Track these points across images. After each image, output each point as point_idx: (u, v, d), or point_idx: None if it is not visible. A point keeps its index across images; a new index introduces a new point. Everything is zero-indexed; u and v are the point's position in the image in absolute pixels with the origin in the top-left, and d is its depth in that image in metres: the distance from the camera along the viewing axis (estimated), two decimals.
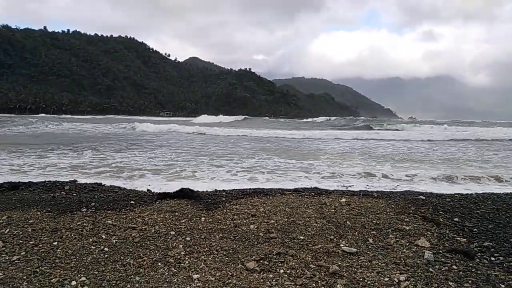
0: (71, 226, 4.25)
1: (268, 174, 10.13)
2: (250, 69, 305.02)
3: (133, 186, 7.61)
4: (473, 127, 44.70)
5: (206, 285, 3.04)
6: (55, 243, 3.77)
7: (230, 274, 3.22)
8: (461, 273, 3.26)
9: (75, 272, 3.19)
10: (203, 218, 4.64)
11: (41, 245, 3.71)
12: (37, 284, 2.99)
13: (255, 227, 4.35)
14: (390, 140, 25.07)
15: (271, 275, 3.19)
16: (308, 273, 3.23)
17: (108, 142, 20.57)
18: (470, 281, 3.10)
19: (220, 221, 4.54)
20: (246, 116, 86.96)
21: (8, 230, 4.05)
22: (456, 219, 4.80)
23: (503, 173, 10.40)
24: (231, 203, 5.39)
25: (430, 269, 3.31)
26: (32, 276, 3.11)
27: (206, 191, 6.56)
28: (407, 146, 21.05)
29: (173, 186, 7.30)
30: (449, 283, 3.07)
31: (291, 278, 3.14)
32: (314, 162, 13.03)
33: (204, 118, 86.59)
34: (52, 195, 5.92)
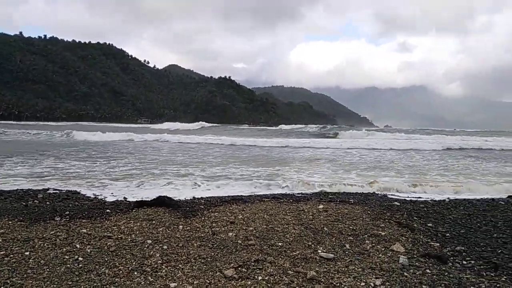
0: (44, 235, 4.14)
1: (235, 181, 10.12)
2: (229, 77, 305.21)
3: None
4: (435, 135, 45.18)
5: None
6: (27, 253, 3.66)
7: (208, 282, 3.20)
8: (434, 277, 3.33)
9: (48, 282, 3.10)
10: (181, 226, 4.60)
11: (12, 255, 3.60)
12: None
13: (234, 234, 4.34)
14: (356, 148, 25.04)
15: (249, 282, 3.19)
16: (286, 279, 3.24)
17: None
18: (443, 285, 3.17)
19: (198, 229, 4.52)
20: (204, 123, 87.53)
21: None
22: (429, 225, 4.92)
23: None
24: (210, 210, 5.37)
25: (405, 274, 3.38)
26: (2, 287, 3.01)
27: (185, 199, 6.51)
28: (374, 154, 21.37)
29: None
30: (423, 286, 3.13)
31: (269, 285, 3.14)
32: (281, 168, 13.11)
33: (166, 124, 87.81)
34: (24, 203, 5.76)
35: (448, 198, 7.22)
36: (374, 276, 3.31)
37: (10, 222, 4.57)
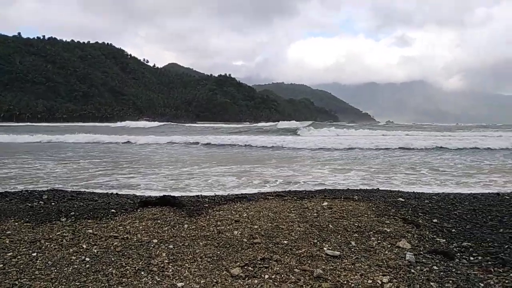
0: (51, 236, 4.15)
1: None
2: (230, 74, 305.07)
3: None
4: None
5: None
6: (34, 254, 3.67)
7: (215, 281, 3.20)
8: (442, 273, 3.33)
9: (56, 283, 3.11)
10: (186, 225, 4.60)
11: (19, 257, 3.61)
12: None
13: (239, 232, 4.34)
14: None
15: (256, 281, 3.19)
16: (292, 277, 3.24)
17: None
18: (451, 281, 3.17)
19: (203, 228, 4.52)
20: (166, 123, 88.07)
21: None
22: (435, 220, 4.91)
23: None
24: (214, 209, 5.37)
25: (412, 270, 3.37)
26: None
27: (187, 197, 6.51)
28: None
29: None
30: (431, 283, 3.13)
31: (276, 283, 3.14)
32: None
33: (128, 123, 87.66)
34: (29, 204, 5.77)
35: (453, 193, 7.21)
36: (381, 273, 3.30)
37: (16, 223, 4.58)
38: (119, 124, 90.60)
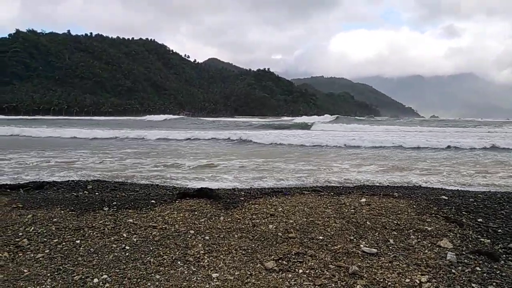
0: (93, 224, 4.34)
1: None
2: (268, 69, 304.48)
3: None
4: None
5: (225, 284, 3.05)
6: (78, 241, 3.86)
7: (249, 273, 3.23)
8: (485, 275, 3.17)
9: (97, 270, 3.26)
10: (222, 218, 4.66)
11: (64, 243, 3.81)
12: (60, 281, 3.06)
13: (274, 226, 4.35)
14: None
15: (290, 275, 3.19)
16: (327, 273, 3.21)
17: None
18: (494, 283, 3.01)
19: (238, 221, 4.56)
20: (167, 116, 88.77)
21: (33, 228, 4.17)
22: (479, 220, 4.68)
23: None
24: (250, 202, 5.40)
25: (453, 271, 3.24)
26: (56, 273, 3.19)
27: (224, 189, 6.59)
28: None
29: None
30: (473, 285, 2.99)
31: (310, 278, 3.13)
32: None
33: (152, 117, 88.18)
34: (75, 194, 6.06)
35: (500, 192, 6.83)
36: (419, 273, 3.20)
37: (62, 211, 4.83)
38: (144, 117, 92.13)
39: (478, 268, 3.29)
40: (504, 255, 3.61)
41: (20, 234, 4.01)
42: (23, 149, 17.06)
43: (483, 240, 4.01)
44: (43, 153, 15.24)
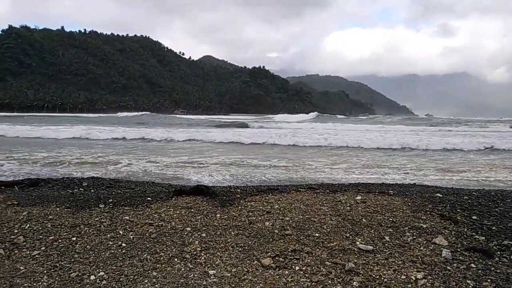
0: (90, 222, 4.33)
1: None
2: (264, 66, 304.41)
3: None
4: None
5: (222, 281, 3.06)
6: (74, 239, 3.85)
7: (246, 270, 3.24)
8: (480, 271, 3.21)
9: (94, 267, 3.25)
10: (218, 215, 4.67)
11: (60, 240, 3.79)
12: (57, 278, 3.06)
13: (270, 224, 4.36)
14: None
15: (286, 272, 3.20)
16: (324, 270, 3.23)
17: None
18: (489, 280, 3.05)
19: (235, 218, 4.57)
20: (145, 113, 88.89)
21: (28, 225, 4.15)
22: (474, 217, 4.72)
23: None
24: (246, 199, 5.41)
25: (448, 267, 3.27)
26: (52, 270, 3.19)
27: (220, 187, 6.59)
28: None
29: None
30: (468, 281, 3.02)
31: (306, 275, 3.14)
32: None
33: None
34: (70, 191, 6.04)
35: (494, 189, 6.90)
36: (415, 269, 3.22)
37: (58, 208, 4.81)
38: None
39: (473, 265, 3.33)
40: (498, 252, 3.64)
41: (16, 231, 3.99)
42: None
43: (477, 237, 4.05)
44: None
